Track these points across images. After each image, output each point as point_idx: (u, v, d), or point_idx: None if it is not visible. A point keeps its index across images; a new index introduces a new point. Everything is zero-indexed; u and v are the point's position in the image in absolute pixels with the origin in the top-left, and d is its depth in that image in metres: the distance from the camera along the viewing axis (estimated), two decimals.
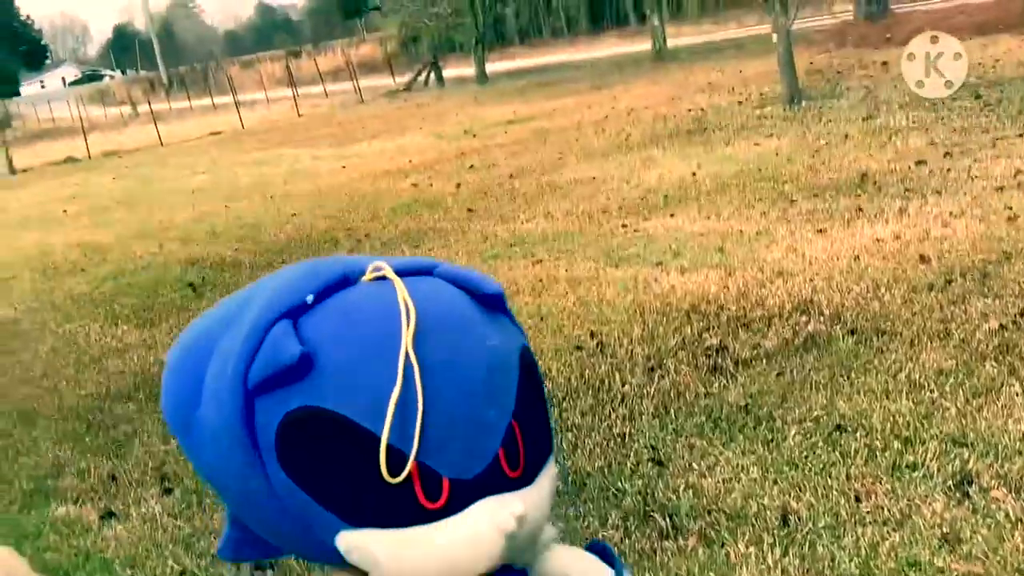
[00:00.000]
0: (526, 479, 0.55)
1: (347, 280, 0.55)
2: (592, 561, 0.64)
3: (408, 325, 0.51)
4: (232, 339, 0.52)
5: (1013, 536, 2.66)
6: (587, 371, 4.55)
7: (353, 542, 0.52)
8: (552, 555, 0.61)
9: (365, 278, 0.56)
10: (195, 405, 0.53)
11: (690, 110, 13.12)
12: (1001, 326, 4.30)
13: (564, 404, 4.17)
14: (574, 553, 0.63)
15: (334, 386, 0.49)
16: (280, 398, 0.50)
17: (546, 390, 0.60)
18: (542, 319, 5.42)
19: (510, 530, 0.51)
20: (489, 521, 0.52)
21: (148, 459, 4.15)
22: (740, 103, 12.92)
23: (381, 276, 0.56)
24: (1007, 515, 2.78)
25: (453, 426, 0.51)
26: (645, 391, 4.22)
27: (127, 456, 4.23)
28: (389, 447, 0.49)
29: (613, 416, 3.97)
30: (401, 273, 0.56)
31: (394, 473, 0.49)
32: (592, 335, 5.05)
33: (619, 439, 3.72)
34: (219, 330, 0.55)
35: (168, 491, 3.81)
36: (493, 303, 0.59)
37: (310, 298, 0.52)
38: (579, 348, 4.92)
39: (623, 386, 4.31)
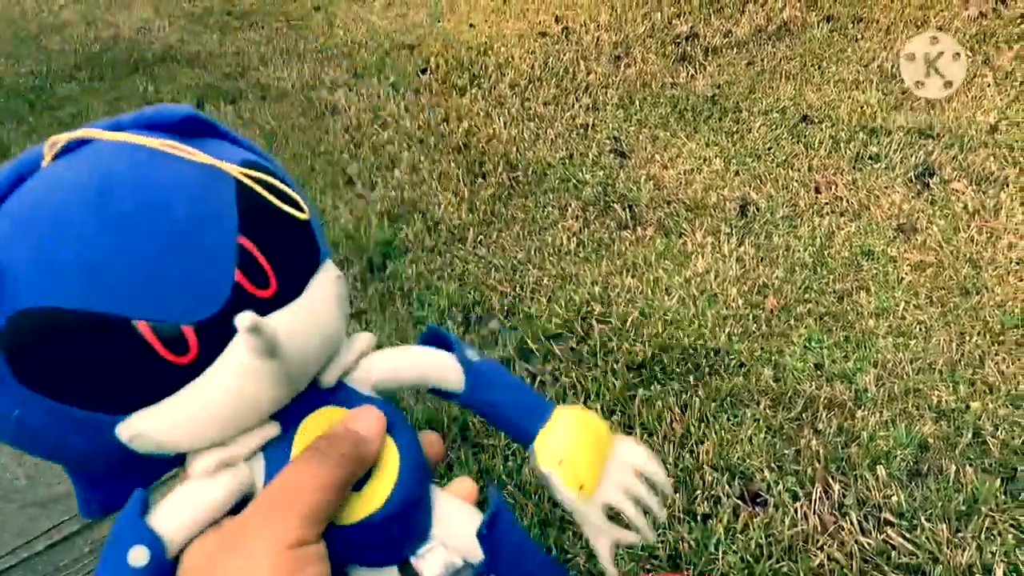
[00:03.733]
0: (288, 293, 0.47)
1: (22, 177, 0.45)
2: (424, 352, 0.55)
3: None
4: None
5: (968, 227, 2.69)
6: (551, 59, 4.37)
7: (131, 431, 0.44)
8: (374, 358, 0.53)
9: (44, 163, 0.46)
10: None
11: None
12: (981, 14, 4.14)
13: (527, 93, 4.04)
14: (403, 350, 0.55)
15: (26, 281, 0.41)
16: None
17: (301, 200, 0.50)
18: (505, 2, 5.14)
19: (259, 347, 0.43)
20: (244, 350, 0.44)
21: None
22: None
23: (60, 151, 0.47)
24: (965, 207, 2.80)
25: (162, 265, 0.42)
26: (610, 80, 4.08)
27: None
28: (106, 318, 0.41)
29: (576, 106, 3.85)
30: (81, 143, 0.47)
31: (130, 346, 0.41)
32: (557, 20, 4.81)
33: (582, 129, 3.63)
34: None
35: None
36: (194, 129, 0.49)
37: None
38: (543, 35, 4.70)
39: (588, 75, 4.16)
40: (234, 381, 0.44)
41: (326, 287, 0.50)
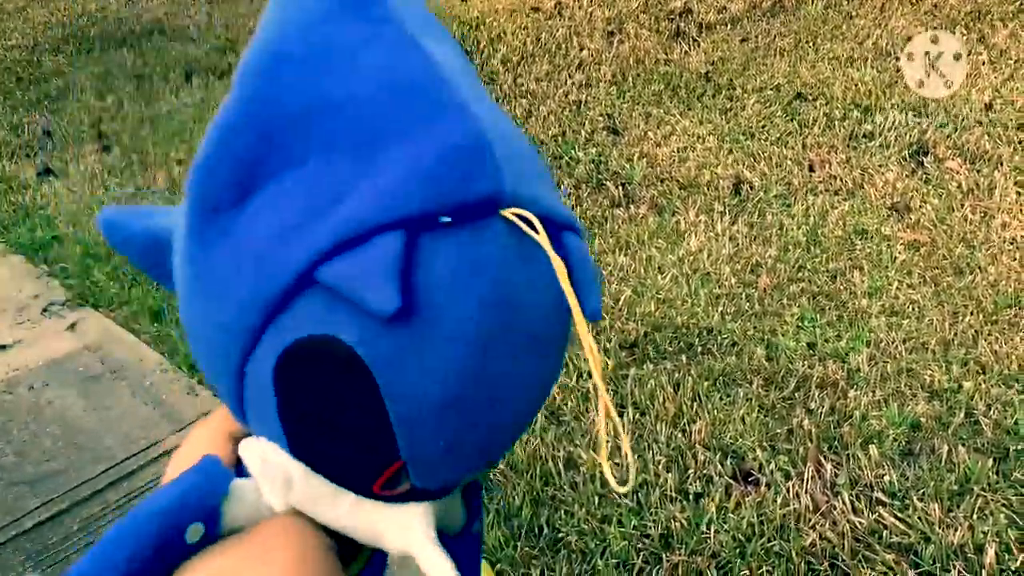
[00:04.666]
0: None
1: (492, 204, 0.39)
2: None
3: (596, 358, 0.40)
4: (316, 184, 0.37)
5: (962, 206, 2.68)
6: (544, 34, 4.34)
7: (277, 459, 0.43)
8: None
9: (505, 212, 0.40)
10: (235, 204, 0.38)
11: None
12: None
13: (519, 70, 4.00)
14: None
15: (403, 367, 0.37)
16: (333, 313, 0.37)
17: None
18: None
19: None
20: (424, 536, 0.44)
21: (83, 115, 3.98)
22: None
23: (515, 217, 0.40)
24: (959, 185, 2.79)
25: (467, 458, 0.42)
26: (603, 57, 4.05)
27: (61, 112, 4.06)
28: (389, 438, 0.39)
29: (569, 83, 3.82)
30: (542, 222, 0.41)
31: (370, 457, 0.41)
32: None
33: (575, 106, 3.60)
34: (304, 130, 0.38)
35: (107, 148, 3.68)
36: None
37: (446, 219, 0.37)
38: (536, 10, 4.66)
39: (581, 51, 4.13)
40: (388, 532, 0.44)
41: None
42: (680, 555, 1.65)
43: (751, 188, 2.89)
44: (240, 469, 0.46)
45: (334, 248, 0.36)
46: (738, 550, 1.66)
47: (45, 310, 2.65)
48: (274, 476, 0.44)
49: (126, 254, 0.50)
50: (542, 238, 0.40)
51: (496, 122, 0.42)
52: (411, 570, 0.53)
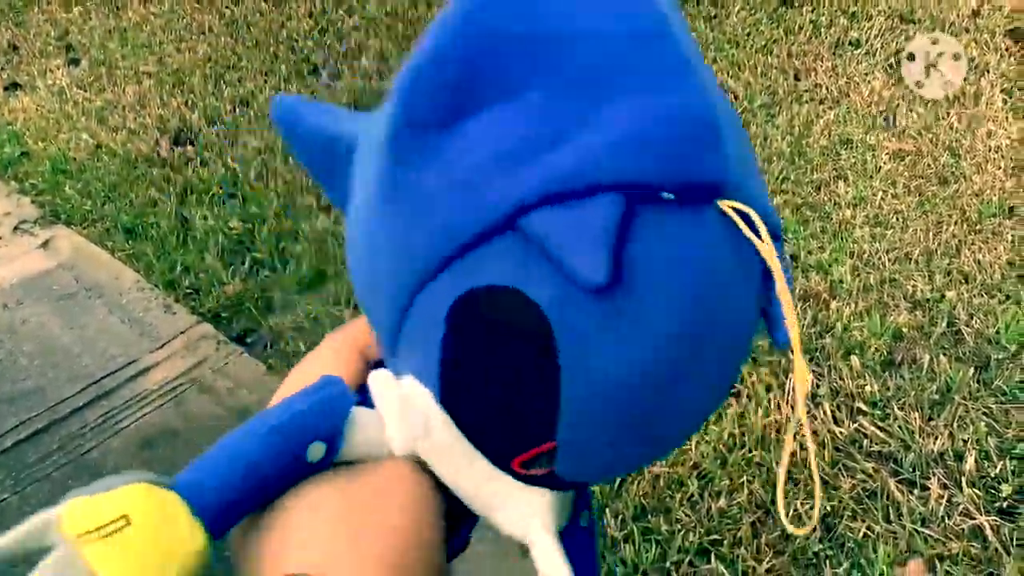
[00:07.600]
0: None
1: (716, 190, 0.36)
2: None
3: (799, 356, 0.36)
4: (536, 121, 0.34)
5: (948, 115, 2.65)
6: None
7: (420, 401, 0.39)
8: None
9: (723, 203, 0.36)
10: (444, 124, 0.35)
11: None
12: None
13: None
14: None
15: (590, 343, 0.34)
16: (528, 266, 0.34)
17: None
18: None
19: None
20: (544, 528, 0.41)
21: (50, 27, 3.85)
22: None
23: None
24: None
25: (623, 455, 0.39)
26: None
27: (27, 24, 3.93)
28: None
29: None
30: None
31: (522, 435, 0.38)
32: None
33: None
34: (527, 59, 0.34)
35: (75, 62, 3.56)
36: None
37: (669, 196, 0.34)
38: None
39: None
40: (506, 514, 0.41)
41: None
42: (662, 467, 1.66)
43: (735, 98, 2.84)
44: (363, 395, 0.42)
45: (547, 196, 0.33)
46: (719, 461, 1.67)
47: (17, 228, 2.60)
48: (413, 418, 0.40)
49: (296, 147, 0.47)
50: (765, 245, 0.37)
51: (719, 97, 0.38)
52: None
